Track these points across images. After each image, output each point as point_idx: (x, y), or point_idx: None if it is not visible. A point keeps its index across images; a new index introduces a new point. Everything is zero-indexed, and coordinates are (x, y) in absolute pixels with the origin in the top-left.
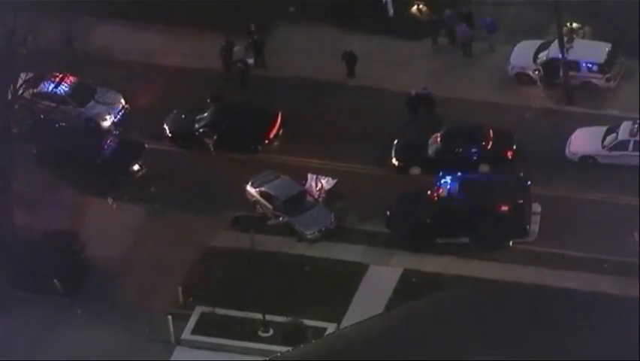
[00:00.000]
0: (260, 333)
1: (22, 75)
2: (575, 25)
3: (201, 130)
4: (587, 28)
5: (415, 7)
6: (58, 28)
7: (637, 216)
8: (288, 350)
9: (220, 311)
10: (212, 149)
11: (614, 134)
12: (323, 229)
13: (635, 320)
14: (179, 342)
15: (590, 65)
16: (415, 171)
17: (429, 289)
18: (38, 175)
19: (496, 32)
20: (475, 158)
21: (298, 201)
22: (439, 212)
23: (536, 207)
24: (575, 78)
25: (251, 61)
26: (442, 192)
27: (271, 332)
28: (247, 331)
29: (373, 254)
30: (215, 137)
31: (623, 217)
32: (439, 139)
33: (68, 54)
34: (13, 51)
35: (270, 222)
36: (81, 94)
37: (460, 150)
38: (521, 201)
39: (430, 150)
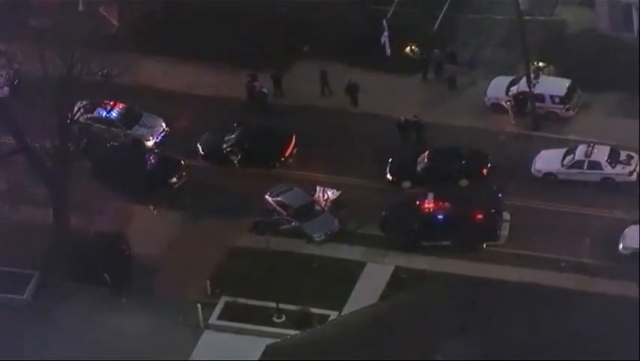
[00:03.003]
0: (274, 319)
1: (78, 103)
2: (540, 64)
3: (228, 149)
4: (551, 67)
5: (408, 47)
6: (109, 63)
7: (588, 224)
8: (297, 334)
9: (241, 301)
10: (237, 165)
11: (571, 155)
12: (328, 232)
13: (587, 312)
14: (207, 326)
15: (553, 98)
16: (406, 184)
17: (416, 283)
18: (92, 186)
19: (476, 69)
20: (456, 174)
21: (308, 209)
22: (425, 219)
23: (506, 216)
24: (540, 108)
25: (264, 90)
26: (428, 202)
27: (283, 318)
28: (264, 317)
29: (370, 254)
30: (239, 155)
31: (578, 224)
32: (426, 158)
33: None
34: (70, 82)
35: (283, 227)
36: (129, 118)
37: (444, 167)
38: (494, 211)
39: (419, 167)
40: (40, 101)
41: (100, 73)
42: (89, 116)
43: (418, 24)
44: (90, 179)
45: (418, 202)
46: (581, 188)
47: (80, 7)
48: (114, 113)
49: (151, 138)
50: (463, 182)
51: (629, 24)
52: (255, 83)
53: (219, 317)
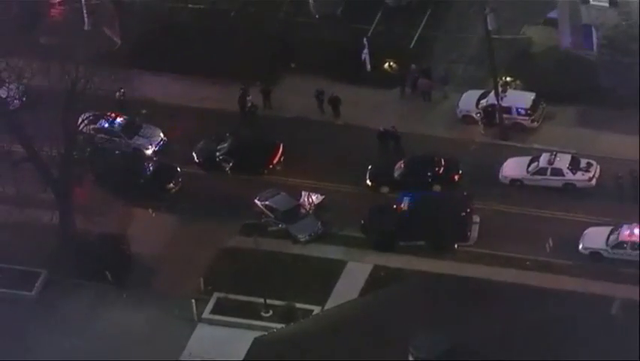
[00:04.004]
0: (262, 313)
1: (83, 115)
2: (508, 78)
3: (221, 157)
4: (517, 82)
5: (387, 63)
6: (111, 78)
7: (551, 226)
8: (284, 327)
9: (232, 297)
10: (229, 172)
11: (536, 163)
12: (312, 233)
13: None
14: (200, 320)
15: (519, 110)
16: (385, 189)
17: (393, 280)
18: (95, 191)
19: (449, 84)
20: (430, 180)
21: (294, 213)
22: (402, 221)
23: (476, 218)
24: (507, 119)
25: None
26: (404, 206)
27: (271, 312)
28: (252, 312)
29: (351, 253)
30: (231, 162)
31: (542, 226)
32: (402, 165)
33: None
34: (76, 96)
35: (270, 229)
36: (129, 129)
37: (419, 173)
38: (464, 214)
39: (396, 174)
40: (48, 113)
41: (120, 91)
42: (92, 127)
43: (396, 42)
44: (93, 184)
45: (395, 206)
46: (544, 193)
47: (86, 27)
48: (116, 124)
49: (150, 147)
50: (437, 187)
51: (588, 42)
52: (248, 97)
53: (212, 312)
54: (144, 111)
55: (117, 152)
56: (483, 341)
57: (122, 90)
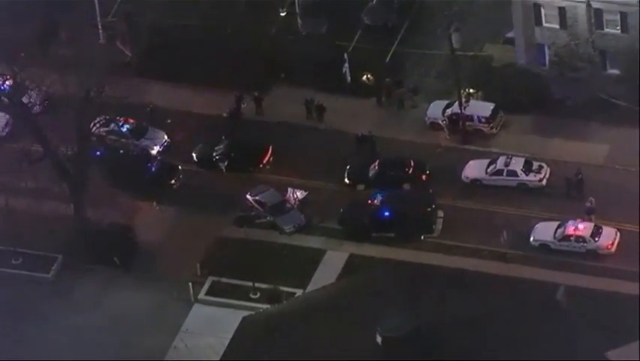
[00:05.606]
0: (250, 295)
1: (96, 119)
2: (470, 90)
3: (217, 157)
4: (479, 93)
5: (365, 76)
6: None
7: (506, 220)
8: (269, 307)
9: (225, 280)
10: (224, 170)
11: (493, 165)
12: (296, 225)
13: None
14: (196, 301)
15: (479, 118)
16: (361, 187)
17: (366, 267)
18: (106, 186)
19: (418, 94)
20: (401, 179)
21: (280, 207)
22: (375, 215)
23: (440, 213)
24: (469, 126)
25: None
26: (377, 202)
27: (258, 294)
28: (242, 294)
29: (329, 243)
30: (226, 162)
31: (498, 220)
32: (377, 165)
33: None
34: (89, 102)
35: (259, 221)
36: (137, 132)
37: (391, 173)
38: (430, 209)
39: (371, 173)
40: (65, 117)
41: (149, 107)
42: (104, 129)
43: (373, 57)
44: (104, 180)
45: (369, 201)
46: (500, 191)
47: (101, 41)
48: (125, 127)
49: (155, 147)
50: (406, 185)
51: (542, 59)
52: (243, 105)
53: (207, 293)
54: (169, 120)
55: (125, 152)
56: (445, 321)
57: (152, 105)
